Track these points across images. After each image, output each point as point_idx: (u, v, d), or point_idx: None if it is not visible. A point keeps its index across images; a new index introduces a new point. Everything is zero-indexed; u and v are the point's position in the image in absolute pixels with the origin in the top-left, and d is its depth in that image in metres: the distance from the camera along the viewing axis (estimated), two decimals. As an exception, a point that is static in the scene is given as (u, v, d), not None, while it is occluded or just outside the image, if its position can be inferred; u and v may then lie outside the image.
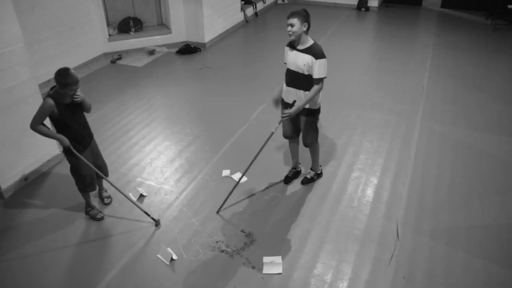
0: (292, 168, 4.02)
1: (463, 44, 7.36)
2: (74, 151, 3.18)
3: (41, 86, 4.95)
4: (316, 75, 3.25)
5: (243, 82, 6.13)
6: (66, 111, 3.11)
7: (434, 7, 9.76)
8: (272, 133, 3.47)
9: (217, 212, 3.61)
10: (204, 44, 7.42)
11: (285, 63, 3.46)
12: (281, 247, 3.25)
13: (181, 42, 7.45)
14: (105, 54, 6.98)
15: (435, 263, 3.10)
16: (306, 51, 3.24)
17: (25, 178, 3.99)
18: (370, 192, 3.83)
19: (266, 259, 3.12)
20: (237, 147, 4.54)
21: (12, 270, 3.10)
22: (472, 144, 4.50)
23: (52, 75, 6.81)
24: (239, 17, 8.56)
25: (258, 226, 3.46)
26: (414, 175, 4.04)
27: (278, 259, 3.11)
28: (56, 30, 5.95)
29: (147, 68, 6.59)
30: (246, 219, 3.54)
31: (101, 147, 4.60)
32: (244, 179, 4.00)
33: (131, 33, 7.23)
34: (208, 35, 7.46)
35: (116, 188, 3.44)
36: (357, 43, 7.61)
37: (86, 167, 3.34)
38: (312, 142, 3.71)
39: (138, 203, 3.58)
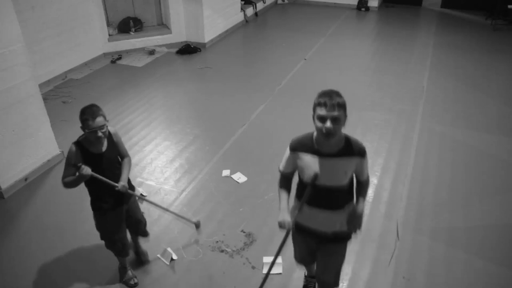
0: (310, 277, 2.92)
1: (463, 44, 7.36)
2: (96, 175, 2.48)
3: (41, 86, 4.96)
4: (365, 174, 2.23)
5: (243, 82, 6.12)
6: (92, 162, 2.47)
7: (434, 7, 9.76)
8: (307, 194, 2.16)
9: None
10: (204, 44, 7.42)
11: (286, 174, 2.30)
12: (281, 247, 3.25)
13: (181, 42, 7.45)
14: (105, 54, 6.98)
15: (435, 263, 3.10)
16: (345, 152, 2.10)
17: (25, 178, 3.99)
18: (370, 192, 3.83)
19: (266, 259, 3.12)
20: (237, 147, 4.54)
21: (11, 271, 3.10)
22: (472, 144, 4.50)
23: (52, 75, 6.81)
24: (239, 17, 8.56)
25: (258, 226, 3.46)
26: (414, 175, 4.04)
27: (278, 259, 3.11)
28: (56, 30, 5.94)
29: (147, 68, 6.59)
30: (246, 219, 3.54)
31: (101, 147, 4.63)
32: (244, 179, 4.00)
33: (131, 33, 7.23)
34: (208, 35, 7.46)
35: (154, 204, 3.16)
36: (357, 43, 7.60)
37: (115, 230, 2.75)
38: (337, 282, 2.50)
39: (178, 213, 3.40)
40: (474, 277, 2.98)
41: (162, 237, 3.36)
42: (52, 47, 5.93)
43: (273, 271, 3.02)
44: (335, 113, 1.95)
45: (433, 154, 4.35)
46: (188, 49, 7.18)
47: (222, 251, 3.22)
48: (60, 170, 4.16)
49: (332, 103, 1.95)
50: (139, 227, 2.97)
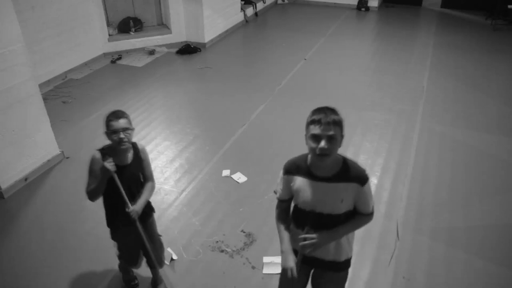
0: None
1: (463, 44, 7.36)
2: (116, 177, 2.31)
3: (41, 86, 4.95)
4: (368, 209, 2.03)
5: (243, 82, 6.13)
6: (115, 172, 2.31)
7: (434, 7, 9.76)
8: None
9: None
10: (204, 44, 7.42)
11: (283, 201, 2.11)
12: (281, 247, 3.25)
13: (181, 42, 7.45)
14: (105, 54, 6.98)
15: (435, 263, 3.10)
16: (341, 176, 1.91)
17: (25, 178, 3.99)
18: (370, 192, 3.83)
19: (266, 259, 3.12)
20: (237, 147, 4.54)
21: (12, 271, 3.10)
22: (472, 144, 4.50)
23: (52, 75, 6.80)
24: (239, 17, 8.56)
25: (258, 226, 3.45)
26: (414, 175, 4.04)
27: (278, 259, 3.11)
28: (56, 30, 5.94)
29: (147, 68, 6.59)
30: (246, 219, 3.54)
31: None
32: (244, 179, 4.00)
33: (131, 33, 7.23)
34: (208, 35, 7.46)
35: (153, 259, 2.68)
36: (357, 43, 7.61)
37: (128, 248, 2.65)
38: None
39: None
40: (474, 277, 2.98)
41: (162, 237, 3.36)
42: (52, 47, 5.93)
43: (273, 271, 3.03)
44: (331, 132, 1.78)
45: (433, 154, 4.35)
46: (188, 49, 7.18)
47: (222, 251, 3.22)
48: (60, 170, 4.19)
49: (327, 121, 1.78)
50: (151, 258, 2.67)
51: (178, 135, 4.78)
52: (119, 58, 6.92)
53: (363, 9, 9.57)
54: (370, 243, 3.27)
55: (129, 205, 2.37)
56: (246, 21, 8.78)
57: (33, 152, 4.02)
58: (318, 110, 1.83)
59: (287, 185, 2.01)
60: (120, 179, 2.33)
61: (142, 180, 2.53)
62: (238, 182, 3.97)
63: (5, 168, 3.80)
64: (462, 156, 4.32)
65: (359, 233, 3.34)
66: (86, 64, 6.62)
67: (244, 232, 3.39)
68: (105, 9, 6.94)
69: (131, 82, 6.09)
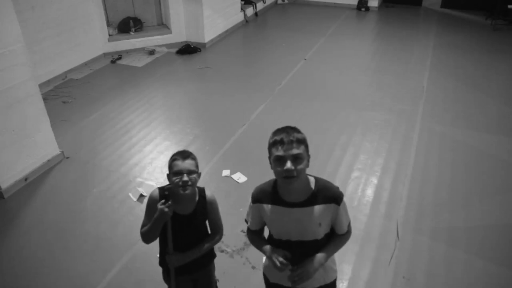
0: None
1: (463, 44, 7.36)
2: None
3: (41, 86, 4.96)
4: (344, 227, 1.90)
5: (243, 82, 6.12)
6: (172, 220, 2.05)
7: (434, 7, 9.76)
8: None
9: None
10: (204, 44, 7.42)
11: (255, 231, 2.01)
12: (281, 247, 3.25)
13: (181, 42, 7.45)
14: (105, 54, 6.98)
15: (435, 263, 3.10)
16: (315, 199, 1.78)
17: (25, 178, 3.99)
18: (370, 192, 3.83)
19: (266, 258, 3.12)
20: (237, 147, 4.54)
21: (11, 271, 3.10)
22: (472, 144, 4.50)
23: (52, 75, 6.79)
24: (239, 17, 8.56)
25: (258, 226, 3.45)
26: (414, 175, 4.03)
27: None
28: (56, 30, 5.94)
29: (147, 68, 6.59)
30: (246, 219, 3.54)
31: (101, 147, 4.63)
32: (244, 179, 4.00)
33: (131, 33, 7.23)
34: (208, 35, 7.46)
35: None
36: (357, 43, 7.60)
37: None
38: None
39: None
40: (474, 277, 2.98)
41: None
42: (52, 47, 5.93)
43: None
44: (295, 151, 1.64)
45: (433, 154, 4.35)
46: (188, 49, 7.18)
47: (222, 251, 3.22)
48: (60, 170, 4.19)
49: (289, 139, 1.65)
50: None
51: (178, 135, 4.78)
52: (119, 58, 6.92)
53: (363, 9, 9.57)
54: (370, 243, 3.27)
55: (171, 251, 2.08)
56: (246, 21, 8.77)
57: (33, 152, 4.02)
58: (279, 130, 1.72)
59: (258, 214, 1.89)
60: (180, 230, 2.06)
61: (208, 230, 2.21)
62: (238, 182, 3.97)
63: (5, 168, 3.80)
64: (462, 156, 4.32)
65: (359, 233, 3.36)
66: (86, 64, 6.62)
67: (244, 232, 3.39)
68: (105, 9, 6.94)
69: (131, 82, 6.09)
